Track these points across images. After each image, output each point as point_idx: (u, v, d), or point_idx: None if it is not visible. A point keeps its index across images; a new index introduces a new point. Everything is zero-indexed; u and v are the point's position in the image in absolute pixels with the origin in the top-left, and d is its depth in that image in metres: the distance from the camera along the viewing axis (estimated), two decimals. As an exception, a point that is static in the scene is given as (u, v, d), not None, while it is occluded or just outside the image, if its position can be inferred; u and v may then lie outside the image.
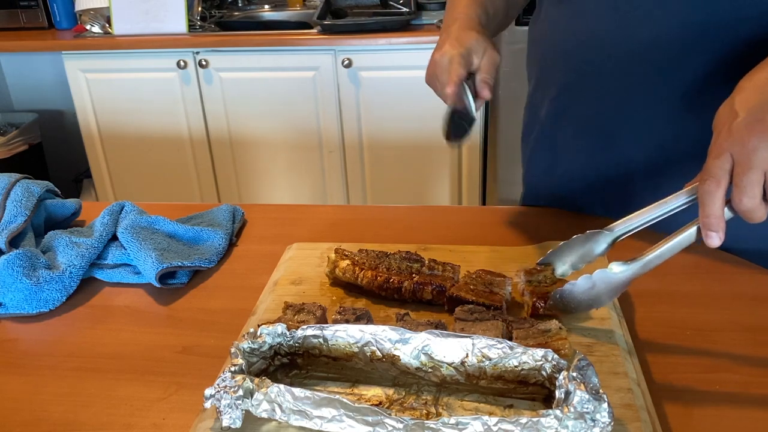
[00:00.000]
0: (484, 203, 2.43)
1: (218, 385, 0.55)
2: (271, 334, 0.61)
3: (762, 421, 0.58)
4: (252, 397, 0.55)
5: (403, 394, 0.60)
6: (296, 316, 0.66)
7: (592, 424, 0.49)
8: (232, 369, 0.57)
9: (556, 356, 0.56)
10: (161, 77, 2.33)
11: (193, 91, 2.33)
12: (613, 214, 0.72)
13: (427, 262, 0.76)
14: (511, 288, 0.73)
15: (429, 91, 0.81)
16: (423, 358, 0.59)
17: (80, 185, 2.79)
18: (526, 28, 1.04)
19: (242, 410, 0.55)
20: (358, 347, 0.60)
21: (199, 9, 2.42)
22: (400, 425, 0.51)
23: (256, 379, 0.55)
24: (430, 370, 0.59)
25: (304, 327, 0.61)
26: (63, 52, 2.33)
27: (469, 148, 2.29)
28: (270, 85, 2.29)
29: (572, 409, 0.50)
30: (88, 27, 2.40)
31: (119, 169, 2.52)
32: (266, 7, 2.67)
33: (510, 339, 0.62)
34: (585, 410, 0.49)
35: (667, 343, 0.68)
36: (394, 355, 0.59)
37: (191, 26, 2.33)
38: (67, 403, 0.64)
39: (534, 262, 0.74)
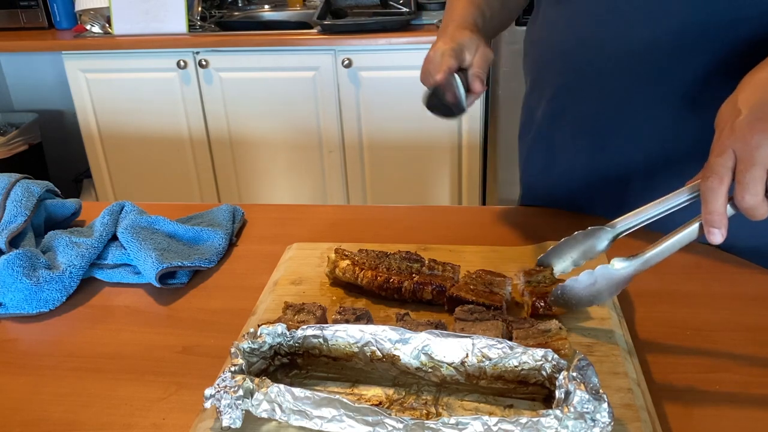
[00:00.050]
0: (484, 203, 2.43)
1: (218, 385, 0.55)
2: (271, 334, 0.61)
3: (762, 421, 0.58)
4: (252, 397, 0.55)
5: (403, 394, 0.60)
6: (296, 316, 0.66)
7: (592, 424, 0.49)
8: (232, 369, 0.57)
9: (556, 356, 0.56)
10: (161, 77, 2.33)
11: (193, 91, 2.33)
12: (609, 214, 0.72)
13: (427, 262, 0.76)
14: (511, 288, 0.73)
15: (429, 91, 0.81)
16: (423, 358, 0.59)
17: (80, 185, 2.79)
18: (526, 28, 1.04)
19: (242, 410, 0.55)
20: (358, 347, 0.60)
21: (199, 9, 2.42)
22: (400, 425, 0.51)
23: (256, 379, 0.55)
24: (430, 370, 0.59)
25: (304, 327, 0.61)
26: (63, 52, 2.33)
27: (469, 148, 2.29)
28: (270, 85, 2.29)
29: (572, 409, 0.50)
30: (88, 27, 2.40)
31: (119, 169, 2.52)
32: (266, 7, 2.67)
33: (510, 339, 0.62)
34: (585, 410, 0.49)
35: (667, 343, 0.68)
36: (394, 355, 0.59)
37: (191, 26, 2.33)
38: (67, 403, 0.64)
39: (533, 263, 0.74)
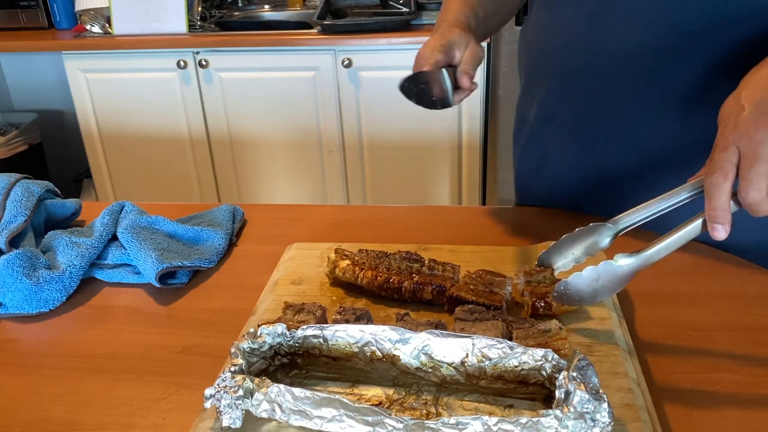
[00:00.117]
0: (484, 203, 2.43)
1: (218, 385, 0.55)
2: (271, 334, 0.61)
3: (762, 421, 0.58)
4: (252, 397, 0.55)
5: (403, 394, 0.60)
6: (296, 316, 0.66)
7: (592, 424, 0.49)
8: (232, 369, 0.57)
9: (556, 356, 0.56)
10: (161, 77, 2.33)
11: (193, 91, 2.33)
12: (602, 215, 0.72)
13: (427, 262, 0.76)
14: (511, 288, 0.73)
15: (429, 91, 0.81)
16: (423, 358, 0.59)
17: (80, 185, 2.79)
18: (526, 29, 1.04)
19: (242, 410, 0.55)
20: (358, 347, 0.60)
21: (199, 9, 2.42)
22: (400, 425, 0.51)
23: (256, 379, 0.55)
24: (430, 370, 0.59)
25: (304, 327, 0.61)
26: (63, 52, 2.33)
27: (469, 148, 2.29)
28: (270, 85, 2.29)
29: (572, 409, 0.50)
30: (88, 27, 2.40)
31: (119, 169, 2.52)
32: (266, 7, 2.67)
33: (510, 339, 0.62)
34: (585, 410, 0.49)
35: (667, 343, 0.68)
36: (394, 355, 0.59)
37: (191, 26, 2.33)
38: (67, 403, 0.64)
39: (533, 263, 0.74)
